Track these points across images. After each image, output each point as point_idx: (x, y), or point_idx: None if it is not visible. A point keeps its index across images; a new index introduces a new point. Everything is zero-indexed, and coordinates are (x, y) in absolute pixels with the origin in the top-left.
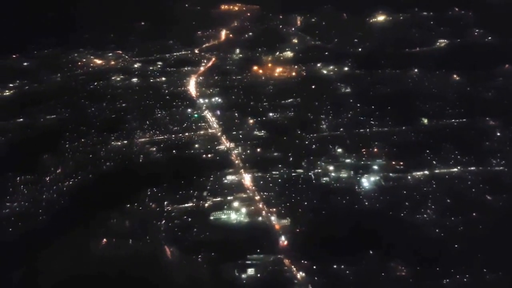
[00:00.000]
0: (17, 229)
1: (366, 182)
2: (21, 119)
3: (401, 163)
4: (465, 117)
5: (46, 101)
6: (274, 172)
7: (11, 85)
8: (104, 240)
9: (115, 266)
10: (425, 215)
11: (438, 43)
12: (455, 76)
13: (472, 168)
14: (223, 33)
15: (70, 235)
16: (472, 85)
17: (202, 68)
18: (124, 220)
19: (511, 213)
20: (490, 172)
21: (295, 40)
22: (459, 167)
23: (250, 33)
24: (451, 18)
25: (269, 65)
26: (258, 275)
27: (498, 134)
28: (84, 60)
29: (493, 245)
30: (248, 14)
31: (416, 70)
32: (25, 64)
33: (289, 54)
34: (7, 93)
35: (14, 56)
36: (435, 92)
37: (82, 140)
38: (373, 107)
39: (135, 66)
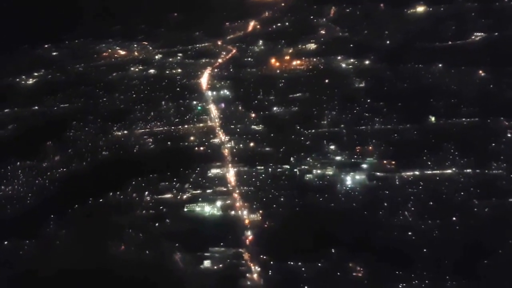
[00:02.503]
0: (4, 211)
1: (350, 180)
2: (36, 107)
3: (393, 162)
4: (478, 116)
5: (64, 90)
6: (259, 167)
7: (35, 73)
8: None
9: (89, 255)
10: (401, 217)
11: (473, 37)
12: (480, 72)
13: (468, 170)
14: (251, 24)
15: (54, 221)
16: (496, 82)
17: (220, 60)
18: (105, 208)
19: (493, 219)
20: (486, 175)
21: (323, 32)
22: (453, 169)
23: (279, 24)
24: (496, 9)
25: (287, 57)
26: (214, 267)
27: (509, 135)
28: (110, 50)
29: (463, 251)
30: (282, 4)
31: (440, 65)
32: (54, 53)
33: (312, 46)
34: (30, 82)
35: (46, 46)
36: (454, 89)
37: (86, 129)
38: (381, 103)
39: (156, 57)
